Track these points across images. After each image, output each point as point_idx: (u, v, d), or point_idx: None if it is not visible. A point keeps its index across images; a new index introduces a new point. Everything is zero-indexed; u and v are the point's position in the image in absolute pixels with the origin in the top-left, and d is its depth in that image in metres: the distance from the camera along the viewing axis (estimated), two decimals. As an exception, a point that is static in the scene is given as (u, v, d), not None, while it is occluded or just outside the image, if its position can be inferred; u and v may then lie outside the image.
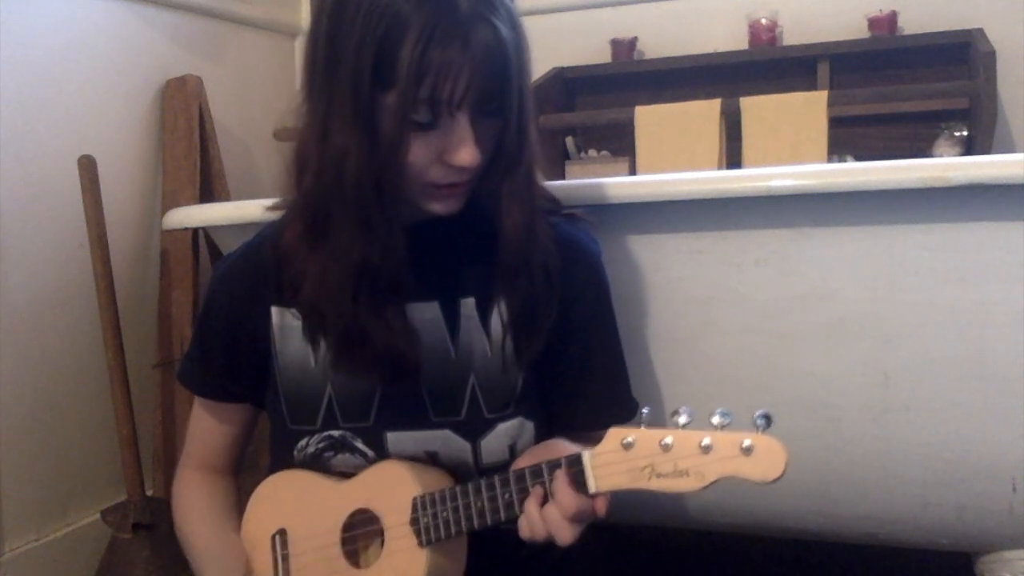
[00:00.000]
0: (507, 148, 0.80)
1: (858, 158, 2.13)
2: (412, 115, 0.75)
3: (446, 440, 0.89)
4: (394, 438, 0.89)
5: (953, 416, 1.04)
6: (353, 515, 0.89)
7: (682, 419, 0.71)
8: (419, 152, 0.77)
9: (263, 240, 0.92)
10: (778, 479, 0.67)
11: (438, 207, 0.83)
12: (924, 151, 2.12)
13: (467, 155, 0.77)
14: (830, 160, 2.03)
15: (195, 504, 1.00)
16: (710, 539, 1.66)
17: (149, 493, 1.70)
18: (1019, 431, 1.02)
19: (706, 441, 0.69)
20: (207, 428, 1.01)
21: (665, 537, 1.69)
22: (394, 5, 0.72)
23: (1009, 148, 2.12)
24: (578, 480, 0.75)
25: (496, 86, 0.76)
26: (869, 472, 1.10)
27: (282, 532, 0.92)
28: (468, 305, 0.89)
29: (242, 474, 1.06)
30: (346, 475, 0.91)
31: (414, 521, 0.84)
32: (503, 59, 0.75)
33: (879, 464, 1.09)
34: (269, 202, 0.92)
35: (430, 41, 0.71)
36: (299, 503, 0.92)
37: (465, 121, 0.76)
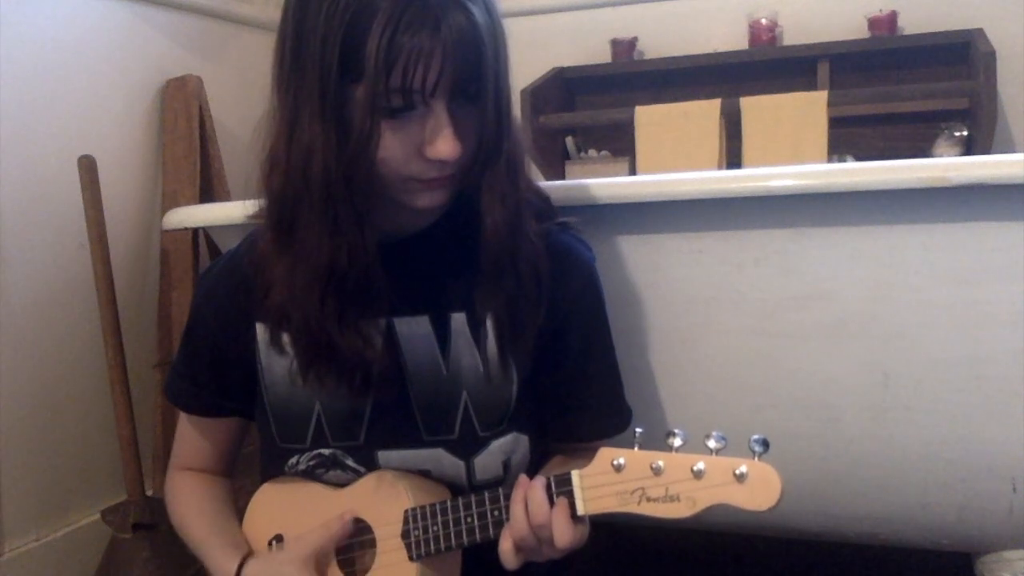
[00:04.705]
0: (485, 138, 0.76)
1: (858, 158, 2.13)
2: (384, 105, 0.72)
3: (439, 459, 0.87)
4: (385, 457, 0.88)
5: (953, 416, 1.04)
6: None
7: (676, 441, 0.70)
8: (396, 146, 0.74)
9: (243, 252, 0.89)
10: (771, 509, 0.66)
11: (422, 201, 0.79)
12: (924, 151, 2.12)
13: (445, 146, 0.74)
14: (830, 160, 2.03)
15: (190, 500, 0.98)
16: (710, 539, 1.66)
17: (149, 493, 1.70)
18: (1019, 431, 1.02)
19: (699, 466, 0.68)
20: (196, 440, 1.00)
21: (665, 537, 1.69)
22: None
23: (1009, 148, 2.12)
24: (567, 501, 0.74)
25: (470, 72, 0.73)
26: (869, 472, 1.10)
27: (279, 538, 0.92)
28: (459, 320, 0.86)
29: (239, 476, 1.05)
30: (343, 484, 0.90)
31: (405, 534, 0.83)
32: (477, 44, 0.72)
33: (879, 464, 1.09)
34: (251, 208, 0.86)
35: (398, 26, 0.68)
36: (296, 510, 0.91)
37: (442, 111, 0.73)
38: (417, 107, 0.73)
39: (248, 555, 0.90)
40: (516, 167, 0.80)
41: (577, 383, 0.91)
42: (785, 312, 1.06)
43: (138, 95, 1.87)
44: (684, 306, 1.10)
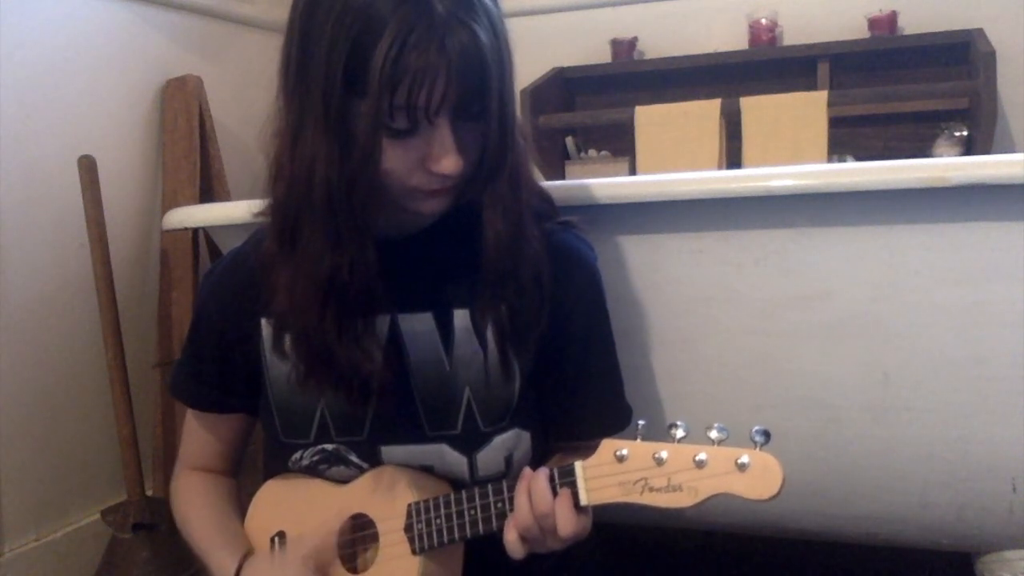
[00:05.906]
0: (489, 154, 0.77)
1: (858, 158, 2.13)
2: (388, 122, 0.72)
3: (441, 454, 0.88)
4: (388, 452, 0.89)
5: (953, 416, 1.04)
6: (350, 519, 0.89)
7: (678, 433, 0.70)
8: (399, 159, 0.75)
9: (249, 250, 0.90)
10: (773, 498, 0.66)
11: (425, 207, 0.80)
12: (924, 151, 2.12)
13: (449, 163, 0.74)
14: (830, 160, 2.03)
15: (194, 500, 0.99)
16: (710, 539, 1.66)
17: (149, 493, 1.70)
18: (1019, 431, 1.02)
19: (701, 456, 0.68)
20: (202, 437, 1.01)
21: (665, 537, 1.69)
22: (367, 7, 0.69)
23: (1009, 148, 2.12)
24: (570, 491, 0.74)
25: (475, 91, 0.73)
26: (869, 472, 1.10)
27: (281, 534, 0.92)
28: (462, 316, 0.87)
29: (242, 475, 1.06)
30: (346, 480, 0.91)
31: (408, 528, 0.84)
32: (481, 64, 0.72)
33: (879, 464, 1.09)
34: (257, 207, 0.87)
35: (404, 45, 0.68)
36: (298, 506, 0.92)
37: (446, 128, 0.74)
38: (421, 126, 0.74)
39: (248, 554, 0.91)
40: (519, 179, 0.81)
41: (578, 381, 0.91)
42: (785, 312, 1.06)
43: (138, 95, 1.87)
44: (684, 306, 1.10)
